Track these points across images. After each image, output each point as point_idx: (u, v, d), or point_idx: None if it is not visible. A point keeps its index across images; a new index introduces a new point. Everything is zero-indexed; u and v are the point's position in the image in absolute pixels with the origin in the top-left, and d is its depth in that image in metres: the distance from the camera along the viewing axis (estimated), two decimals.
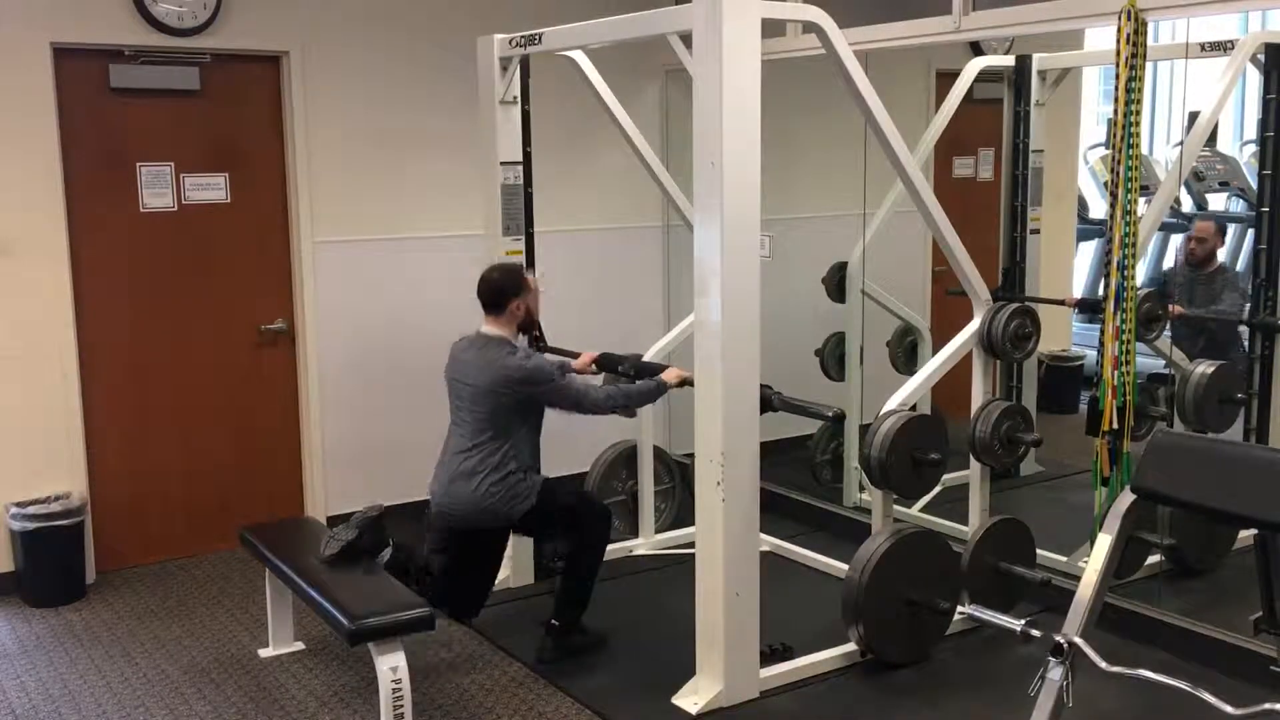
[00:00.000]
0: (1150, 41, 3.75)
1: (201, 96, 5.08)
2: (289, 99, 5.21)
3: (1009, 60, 5.80)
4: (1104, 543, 2.42)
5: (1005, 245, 5.94)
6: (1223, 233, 5.84)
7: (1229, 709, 2.07)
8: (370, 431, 5.52)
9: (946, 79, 5.75)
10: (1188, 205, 6.91)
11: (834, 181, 5.93)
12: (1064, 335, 6.81)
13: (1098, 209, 7.27)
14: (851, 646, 4.06)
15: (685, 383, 4.18)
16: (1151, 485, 2.37)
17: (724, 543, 3.71)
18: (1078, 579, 2.46)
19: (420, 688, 3.92)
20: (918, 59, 6.32)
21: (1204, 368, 4.84)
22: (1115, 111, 3.75)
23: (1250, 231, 5.65)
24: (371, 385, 5.50)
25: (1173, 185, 5.12)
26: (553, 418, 4.18)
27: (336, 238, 5.35)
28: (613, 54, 5.03)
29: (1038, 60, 5.78)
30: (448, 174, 5.49)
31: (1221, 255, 5.80)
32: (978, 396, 4.28)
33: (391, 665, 3.46)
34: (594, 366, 4.55)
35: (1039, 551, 4.40)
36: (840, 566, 4.39)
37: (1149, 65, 3.83)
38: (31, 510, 4.72)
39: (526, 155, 4.68)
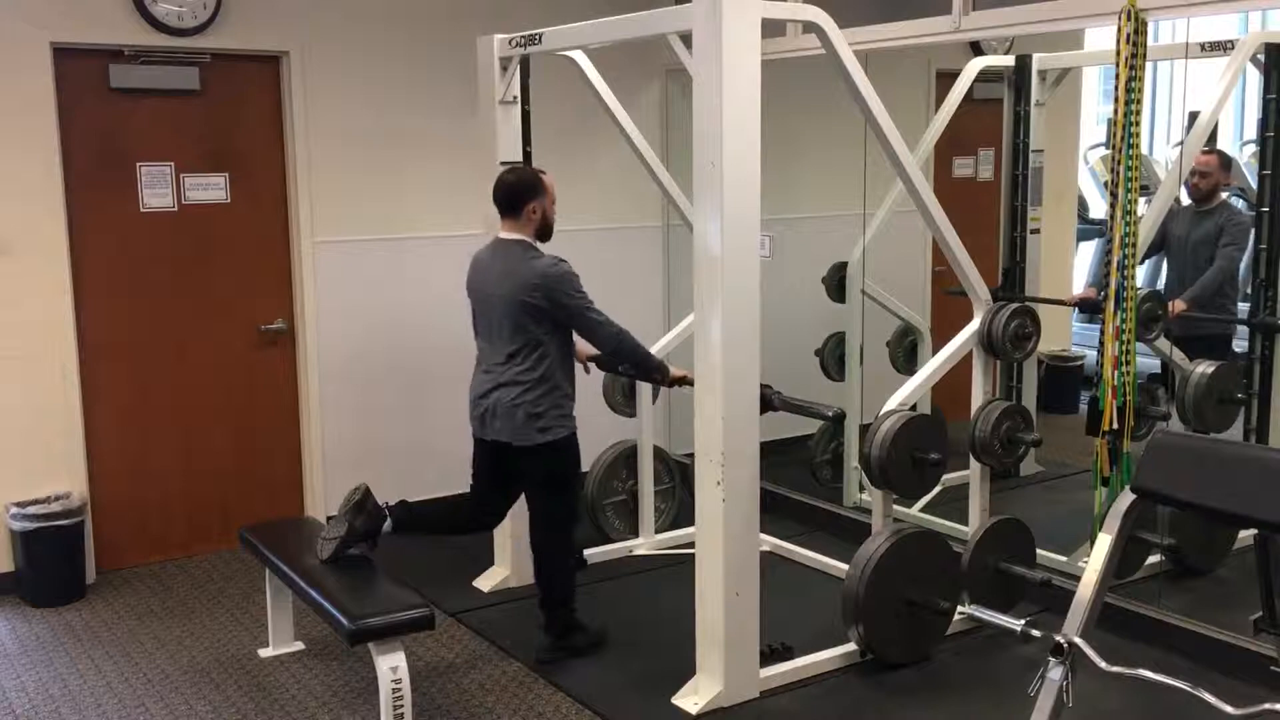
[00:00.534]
0: (1150, 41, 3.75)
1: (201, 96, 5.08)
2: (289, 99, 5.21)
3: (1009, 60, 5.80)
4: (1104, 543, 2.42)
5: (1005, 245, 5.94)
6: (1228, 166, 5.56)
7: (1229, 709, 2.07)
8: (370, 431, 5.51)
9: (946, 79, 5.76)
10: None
11: (834, 181, 5.94)
12: (1064, 335, 6.81)
13: (1098, 209, 7.27)
14: (851, 646, 4.06)
15: (685, 382, 4.18)
16: (1151, 485, 2.37)
17: (724, 543, 3.71)
18: (1078, 579, 2.46)
19: (420, 688, 3.92)
20: (918, 59, 6.32)
21: (1204, 368, 4.84)
22: (1115, 111, 3.75)
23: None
24: (371, 385, 5.50)
25: (1173, 185, 5.12)
26: None
27: (336, 238, 5.36)
28: (613, 54, 5.03)
29: (1038, 60, 5.78)
30: (448, 174, 5.49)
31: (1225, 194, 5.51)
32: (978, 396, 4.28)
33: (391, 665, 3.46)
34: (591, 364, 4.53)
35: (1039, 551, 4.40)
36: (840, 566, 4.40)
37: (1149, 65, 3.83)
38: (31, 510, 4.72)
39: (526, 155, 4.69)
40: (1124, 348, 3.85)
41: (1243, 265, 5.24)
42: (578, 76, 4.76)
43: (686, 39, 3.78)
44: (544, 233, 4.05)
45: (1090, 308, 6.23)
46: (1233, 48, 4.72)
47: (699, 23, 3.55)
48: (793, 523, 5.51)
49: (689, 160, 3.69)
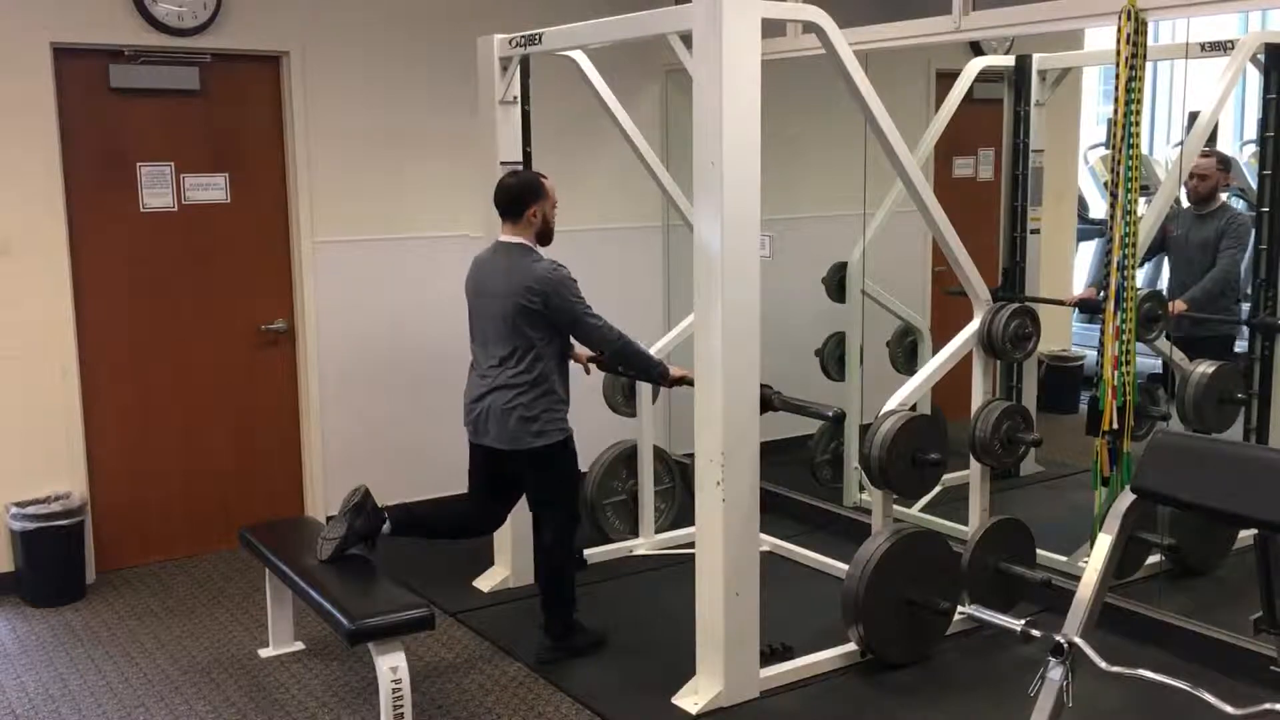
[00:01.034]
0: (1150, 41, 3.75)
1: (201, 96, 5.08)
2: (289, 99, 5.21)
3: (1009, 60, 5.80)
4: (1104, 543, 2.42)
5: (1005, 245, 5.94)
6: (1227, 168, 5.57)
7: (1229, 709, 2.07)
8: (370, 431, 5.51)
9: (946, 79, 5.76)
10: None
11: (834, 181, 5.93)
12: (1064, 335, 6.81)
13: (1098, 209, 7.27)
14: (851, 646, 4.06)
15: (685, 382, 4.18)
16: (1151, 485, 2.37)
17: (724, 543, 3.71)
18: (1078, 579, 2.46)
19: (420, 688, 3.92)
20: (918, 59, 6.32)
21: (1204, 368, 4.84)
22: (1115, 111, 3.75)
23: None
24: (371, 385, 5.50)
25: (1173, 185, 5.12)
26: None
27: (336, 238, 5.36)
28: (613, 54, 5.04)
29: (1038, 60, 5.78)
30: (448, 174, 5.49)
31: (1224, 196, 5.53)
32: (978, 396, 4.28)
33: (391, 665, 3.46)
34: (592, 365, 4.53)
35: (1039, 551, 4.40)
36: (840, 566, 4.40)
37: (1149, 65, 3.84)
38: (31, 510, 4.72)
39: (526, 155, 4.68)
40: (1124, 348, 3.85)
41: (1243, 266, 5.25)
42: (578, 76, 4.76)
43: (686, 39, 3.78)
44: (544, 236, 4.05)
45: (1090, 308, 6.23)
46: (1233, 48, 4.72)
47: (699, 23, 3.55)
48: (793, 523, 5.51)
49: (689, 160, 3.69)
